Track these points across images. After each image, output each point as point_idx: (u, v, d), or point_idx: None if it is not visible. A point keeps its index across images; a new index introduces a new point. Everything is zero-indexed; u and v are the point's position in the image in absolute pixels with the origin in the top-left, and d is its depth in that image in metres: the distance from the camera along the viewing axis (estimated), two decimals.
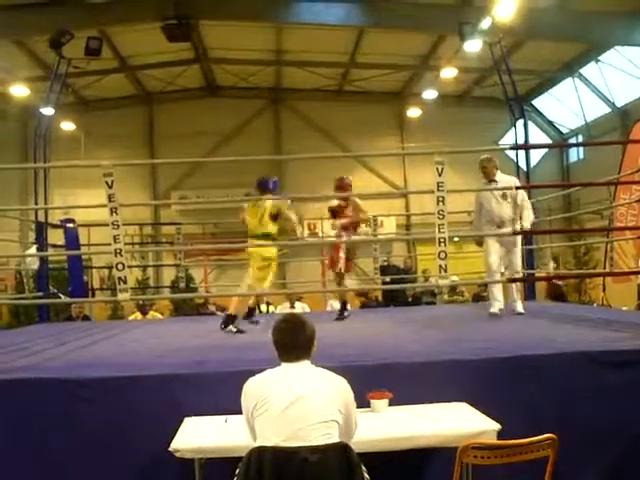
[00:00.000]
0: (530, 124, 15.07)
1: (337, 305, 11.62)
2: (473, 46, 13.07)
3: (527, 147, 11.93)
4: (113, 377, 4.28)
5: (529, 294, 9.70)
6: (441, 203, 5.41)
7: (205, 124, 20.41)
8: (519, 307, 7.47)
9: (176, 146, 19.55)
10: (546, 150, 22.09)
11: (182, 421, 3.89)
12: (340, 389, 3.21)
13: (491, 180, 7.20)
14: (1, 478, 4.06)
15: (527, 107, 19.17)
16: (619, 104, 18.44)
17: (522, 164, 11.11)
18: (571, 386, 4.26)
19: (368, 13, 15.16)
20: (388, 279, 11.73)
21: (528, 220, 7.01)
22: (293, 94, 21.44)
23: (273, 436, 3.04)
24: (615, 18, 14.56)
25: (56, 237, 10.76)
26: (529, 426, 3.61)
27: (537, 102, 21.77)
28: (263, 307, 12.00)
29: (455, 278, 10.65)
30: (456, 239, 12.34)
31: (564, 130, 22.00)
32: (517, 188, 7.13)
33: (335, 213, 7.91)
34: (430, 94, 18.95)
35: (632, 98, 17.65)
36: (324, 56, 18.45)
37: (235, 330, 6.69)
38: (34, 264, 9.71)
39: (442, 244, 5.41)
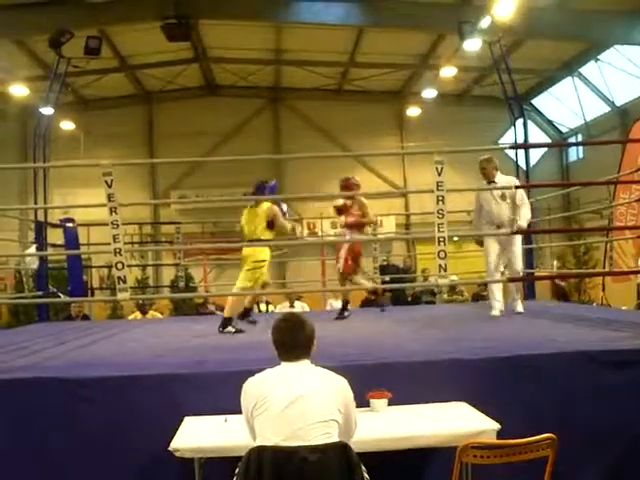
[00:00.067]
0: (530, 123, 15.04)
1: (337, 304, 11.66)
2: (473, 45, 13.07)
3: (527, 146, 11.93)
4: (113, 377, 4.28)
5: (529, 293, 9.70)
6: (441, 202, 5.41)
7: (204, 123, 20.41)
8: (519, 307, 7.48)
9: (175, 145, 19.55)
10: (546, 149, 22.08)
11: (182, 421, 3.89)
12: (340, 388, 3.21)
13: (491, 182, 7.19)
14: (0, 478, 4.06)
15: (526, 106, 19.18)
16: (619, 103, 18.43)
17: (522, 163, 11.10)
18: (571, 386, 4.26)
19: (367, 12, 15.15)
20: (388, 278, 11.73)
21: (525, 219, 7.00)
22: (292, 93, 21.44)
23: (273, 435, 3.04)
24: (615, 17, 14.56)
25: (55, 236, 10.76)
26: (529, 426, 3.61)
27: (537, 101, 21.77)
28: (262, 306, 12.01)
29: (454, 277, 10.66)
30: (456, 238, 12.37)
31: (564, 129, 22.00)
32: (517, 187, 7.13)
33: (340, 212, 7.92)
34: (430, 93, 18.95)
35: (632, 97, 17.64)
36: (323, 55, 18.44)
37: (234, 330, 6.68)
38: (34, 263, 9.71)
39: (442, 243, 5.41)
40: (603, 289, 10.56)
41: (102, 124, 19.74)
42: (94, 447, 4.05)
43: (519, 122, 10.76)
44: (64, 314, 11.21)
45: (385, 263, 13.36)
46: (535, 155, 19.74)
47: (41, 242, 9.78)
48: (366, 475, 3.20)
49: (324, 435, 3.04)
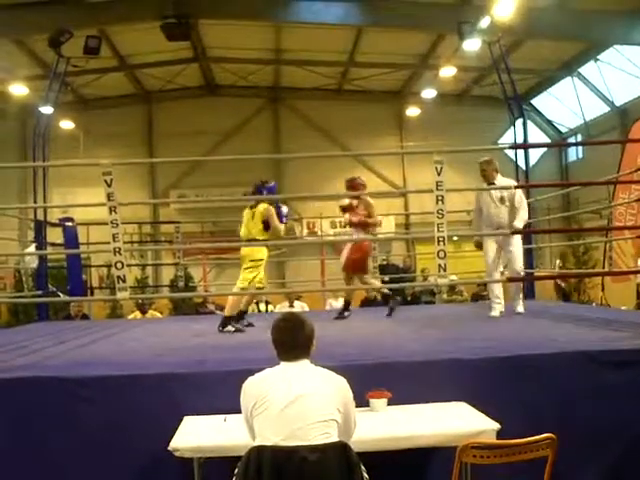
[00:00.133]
0: (529, 123, 15.05)
1: (336, 304, 11.66)
2: (472, 45, 13.07)
3: (526, 146, 11.92)
4: (112, 376, 4.28)
5: (528, 293, 9.70)
6: (440, 202, 5.41)
7: (204, 123, 20.41)
8: (519, 307, 7.47)
9: (175, 145, 19.55)
10: (545, 149, 22.10)
11: (181, 420, 3.89)
12: (339, 388, 3.21)
13: (491, 183, 7.19)
14: (0, 477, 4.06)
15: (526, 106, 19.19)
16: (618, 103, 18.44)
17: (521, 163, 11.10)
18: (571, 386, 4.26)
19: (367, 12, 15.16)
20: (387, 278, 11.73)
21: (521, 220, 7.01)
22: (292, 93, 21.43)
23: (272, 435, 3.04)
24: (614, 17, 14.56)
25: (55, 236, 10.76)
26: (528, 426, 3.61)
27: (536, 101, 21.77)
28: (262, 306, 12.01)
29: (454, 277, 10.65)
30: (455, 238, 12.40)
31: (563, 129, 22.00)
32: (516, 187, 7.12)
33: (345, 211, 7.92)
34: (429, 93, 18.95)
35: (631, 97, 17.65)
36: (323, 55, 18.45)
37: (234, 330, 6.69)
38: (33, 263, 9.71)
39: (441, 243, 5.41)
40: (602, 289, 10.55)
41: (102, 123, 19.74)
42: (94, 446, 4.05)
43: (519, 122, 10.76)
44: (63, 313, 11.21)
45: (385, 263, 13.36)
46: (535, 155, 19.75)
47: (40, 241, 9.78)
48: (366, 475, 3.19)
49: (324, 435, 3.03)
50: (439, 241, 5.41)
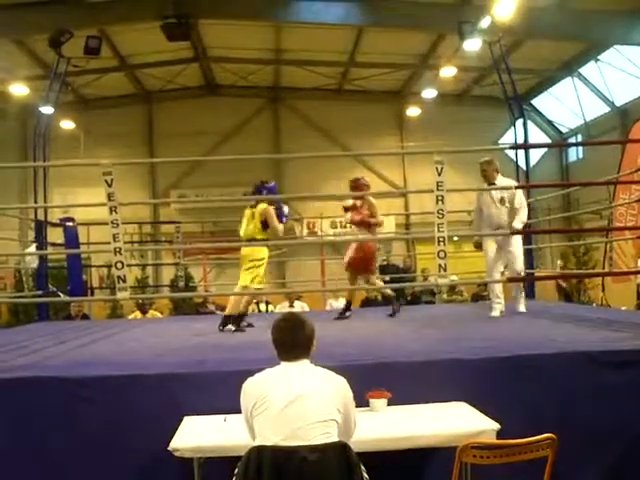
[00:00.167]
0: (529, 123, 15.03)
1: (336, 304, 11.66)
2: (472, 45, 13.07)
3: (526, 146, 11.92)
4: (112, 376, 4.28)
5: (528, 293, 9.69)
6: (440, 202, 5.41)
7: (204, 123, 20.41)
8: (521, 307, 7.47)
9: (175, 145, 19.55)
10: (545, 149, 22.09)
11: (181, 420, 3.89)
12: (339, 388, 3.21)
13: (491, 184, 7.19)
14: (0, 477, 4.06)
15: (526, 106, 19.18)
16: (618, 103, 18.44)
17: (521, 163, 11.10)
18: (571, 386, 4.26)
19: (367, 12, 15.16)
20: (387, 278, 11.73)
21: (520, 221, 7.01)
22: (292, 93, 21.44)
23: (272, 435, 3.04)
24: (614, 17, 14.56)
25: (55, 236, 10.76)
26: (529, 426, 3.61)
27: (536, 101, 21.77)
28: (262, 306, 12.02)
29: (454, 277, 10.66)
30: (455, 238, 12.39)
31: (563, 129, 22.00)
32: (516, 187, 7.13)
33: (347, 211, 7.91)
34: (429, 93, 18.95)
35: (631, 97, 17.65)
36: (323, 55, 18.45)
37: (234, 329, 6.71)
38: (33, 263, 9.72)
39: (441, 243, 5.41)
40: (603, 289, 10.55)
41: (102, 123, 19.75)
42: (94, 446, 4.05)
43: (519, 122, 10.75)
44: (64, 313, 11.21)
45: (385, 263, 13.36)
46: (535, 155, 19.74)
47: (41, 241, 9.78)
48: (365, 475, 3.19)
49: (323, 435, 3.03)
50: (439, 241, 5.41)
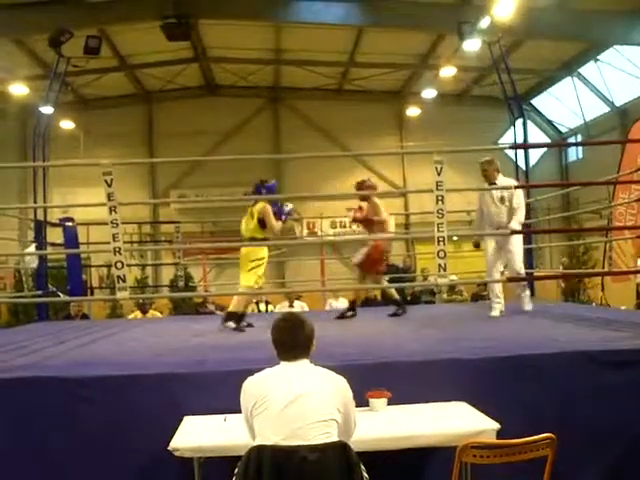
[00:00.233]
0: (529, 123, 15.05)
1: (336, 304, 11.66)
2: (472, 45, 13.07)
3: (526, 146, 11.92)
4: (112, 376, 4.28)
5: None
6: (440, 202, 5.41)
7: (204, 123, 20.40)
8: (527, 306, 7.46)
9: (175, 145, 19.54)
10: (545, 149, 22.09)
11: (181, 420, 3.89)
12: (339, 388, 3.21)
13: (492, 184, 7.19)
14: (0, 477, 4.06)
15: (526, 106, 19.18)
16: (618, 103, 18.43)
17: (521, 163, 11.11)
18: (571, 386, 4.26)
19: (367, 12, 15.15)
20: (387, 278, 11.71)
21: (517, 222, 7.01)
22: (292, 93, 21.43)
23: (272, 435, 3.04)
24: (614, 17, 14.56)
25: (55, 236, 10.76)
26: (528, 425, 3.62)
27: (536, 101, 21.77)
28: (262, 306, 12.01)
29: (454, 277, 10.66)
30: (455, 238, 12.38)
31: (563, 129, 22.00)
32: (516, 187, 7.13)
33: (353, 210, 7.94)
34: (429, 93, 18.95)
35: (631, 97, 17.64)
36: (323, 55, 18.45)
37: (234, 327, 6.74)
38: (33, 263, 9.72)
39: (441, 243, 5.41)
40: (602, 289, 10.55)
41: (102, 123, 19.75)
42: (94, 446, 4.05)
43: (519, 122, 10.77)
44: (63, 313, 11.21)
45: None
46: (535, 155, 19.75)
47: (40, 241, 9.78)
48: (365, 474, 3.20)
49: (323, 434, 3.04)
50: (439, 241, 5.41)
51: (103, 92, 19.54)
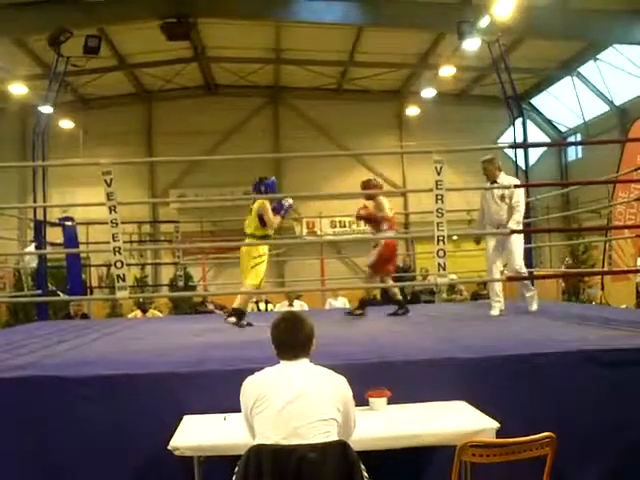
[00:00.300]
0: (529, 123, 15.07)
1: (335, 303, 11.68)
2: (472, 45, 13.08)
3: (526, 146, 11.93)
4: (112, 375, 4.27)
5: None
6: (440, 201, 5.41)
7: (204, 122, 20.41)
8: (533, 306, 7.43)
9: (175, 144, 19.54)
10: (545, 149, 22.11)
11: (181, 419, 3.89)
12: (339, 387, 3.21)
13: (493, 182, 7.19)
14: (0, 477, 4.05)
15: (526, 106, 19.21)
16: (618, 103, 18.45)
17: (521, 163, 11.11)
18: (570, 385, 4.26)
19: (367, 12, 15.17)
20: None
21: (514, 222, 7.00)
22: (292, 92, 21.44)
23: (272, 434, 3.04)
24: (614, 17, 14.58)
25: (55, 235, 10.76)
26: (528, 425, 3.62)
27: (536, 101, 21.78)
28: (262, 305, 12.02)
29: (454, 276, 10.66)
30: (455, 237, 12.38)
31: (563, 129, 22.01)
32: (516, 186, 7.13)
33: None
34: (429, 92, 18.97)
35: (631, 97, 17.66)
36: (323, 54, 18.46)
37: (233, 322, 6.78)
38: (33, 262, 9.72)
39: (441, 242, 5.41)
40: (602, 288, 10.55)
41: (101, 123, 19.76)
42: (94, 445, 4.05)
43: (518, 121, 10.77)
44: (63, 313, 11.21)
45: None
46: (534, 154, 19.78)
47: (40, 241, 9.78)
48: (365, 474, 3.19)
49: (323, 434, 3.04)
50: (439, 240, 5.41)
51: (102, 91, 19.55)
